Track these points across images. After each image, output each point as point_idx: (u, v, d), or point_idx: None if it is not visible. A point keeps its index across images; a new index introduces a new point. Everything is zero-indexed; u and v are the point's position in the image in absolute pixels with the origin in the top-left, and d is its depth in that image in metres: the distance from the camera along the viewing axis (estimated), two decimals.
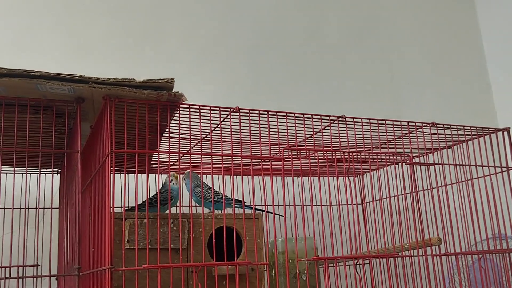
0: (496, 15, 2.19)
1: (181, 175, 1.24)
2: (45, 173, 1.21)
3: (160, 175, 1.34)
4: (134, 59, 1.66)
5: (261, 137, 1.06)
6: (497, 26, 2.18)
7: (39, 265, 0.83)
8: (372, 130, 1.13)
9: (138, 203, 1.16)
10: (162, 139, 1.12)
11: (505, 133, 1.25)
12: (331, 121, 1.10)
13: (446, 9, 2.24)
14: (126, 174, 1.03)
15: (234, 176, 1.44)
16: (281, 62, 1.87)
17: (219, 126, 1.03)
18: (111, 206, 0.86)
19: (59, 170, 1.34)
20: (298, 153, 1.06)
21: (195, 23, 1.79)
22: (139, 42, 1.69)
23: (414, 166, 1.13)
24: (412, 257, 1.06)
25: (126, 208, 1.19)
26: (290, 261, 1.03)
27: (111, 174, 0.87)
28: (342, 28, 2.01)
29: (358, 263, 1.01)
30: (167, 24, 1.75)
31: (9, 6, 1.57)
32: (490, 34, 2.21)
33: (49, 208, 0.93)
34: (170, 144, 1.13)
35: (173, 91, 0.92)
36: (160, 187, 1.24)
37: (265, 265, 1.09)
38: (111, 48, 1.65)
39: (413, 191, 1.10)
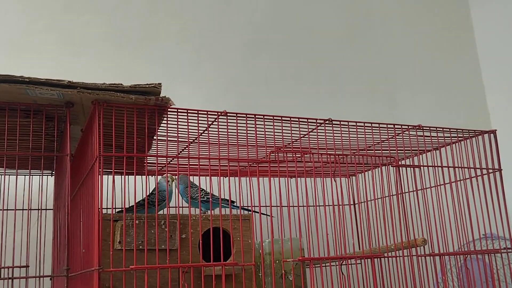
0: (490, 17, 2.20)
1: (169, 178, 1.26)
2: (37, 175, 1.24)
3: (152, 177, 1.36)
4: (127, 61, 1.69)
5: (249, 140, 1.08)
6: (490, 28, 2.20)
7: (28, 266, 0.85)
8: (358, 133, 1.15)
9: (130, 205, 1.18)
10: (153, 142, 1.14)
11: (491, 135, 1.27)
12: (318, 124, 1.11)
13: (440, 11, 2.25)
14: (115, 176, 1.05)
15: (223, 178, 1.47)
16: (274, 65, 1.89)
17: (207, 130, 1.05)
18: (100, 208, 0.88)
19: (53, 173, 1.37)
20: (285, 155, 1.08)
21: (189, 25, 1.81)
22: (132, 44, 1.71)
23: (400, 168, 1.15)
24: (397, 258, 1.08)
25: (118, 210, 1.20)
26: (277, 261, 1.05)
27: (99, 177, 0.89)
28: (335, 30, 2.02)
29: (343, 263, 1.03)
30: (160, 26, 1.77)
31: (3, 7, 1.59)
32: (484, 36, 2.23)
33: (39, 209, 0.95)
34: (160, 147, 1.16)
35: (161, 95, 0.94)
36: (153, 189, 1.26)
37: (252, 266, 1.11)
38: (105, 50, 1.67)
39: (399, 193, 1.11)
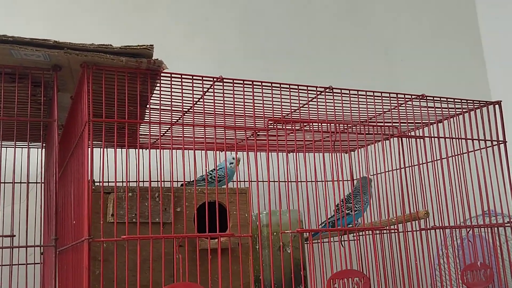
0: None
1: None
2: (24, 147, 1.19)
3: (145, 150, 1.31)
4: (120, 33, 1.63)
5: (246, 109, 1.03)
6: (492, 0, 2.15)
7: (14, 236, 0.81)
8: (360, 103, 1.11)
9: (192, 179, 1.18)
10: (146, 111, 1.09)
11: (497, 106, 1.23)
12: (318, 93, 1.07)
13: None
14: (107, 149, 1.00)
15: (219, 153, 1.43)
16: (272, 34, 1.84)
17: (202, 97, 1.01)
18: (89, 176, 0.84)
19: (44, 144, 1.32)
20: (284, 126, 1.04)
21: None
22: (125, 16, 1.65)
23: (404, 139, 1.11)
24: (399, 231, 1.05)
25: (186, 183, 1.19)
26: (274, 234, 1.01)
27: (89, 143, 0.85)
28: (335, 1, 1.97)
29: (343, 239, 1.00)
30: None
31: None
32: (485, 8, 2.18)
33: (25, 182, 0.92)
34: (153, 118, 1.11)
35: (153, 58, 0.89)
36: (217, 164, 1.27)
37: (249, 238, 1.07)
38: (99, 20, 1.61)
39: (401, 164, 1.08)
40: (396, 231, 1.06)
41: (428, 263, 1.05)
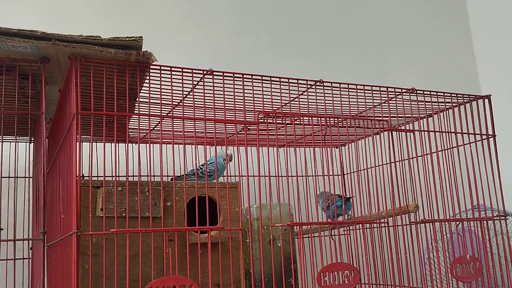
0: None
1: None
2: (13, 141, 1.18)
3: (135, 144, 1.30)
4: (113, 27, 1.62)
5: (236, 102, 1.03)
6: None
7: (2, 229, 0.80)
8: (350, 96, 1.11)
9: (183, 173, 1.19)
10: (136, 104, 1.08)
11: (486, 100, 1.23)
12: (309, 86, 1.07)
13: None
14: (97, 144, 1.00)
15: (211, 146, 1.42)
16: (266, 29, 1.83)
17: (192, 90, 1.00)
18: (77, 169, 0.84)
19: (33, 139, 1.31)
20: (274, 119, 1.03)
21: None
22: (118, 10, 1.64)
23: (394, 133, 1.11)
24: (389, 223, 1.05)
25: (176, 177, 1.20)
26: (265, 227, 1.01)
27: (77, 137, 0.84)
28: None
29: (334, 233, 1.00)
30: None
31: None
32: (475, 3, 2.19)
33: (13, 177, 0.91)
34: (144, 109, 1.10)
35: (143, 50, 0.88)
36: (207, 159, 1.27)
37: (239, 232, 1.07)
38: (89, 14, 1.60)
39: (391, 158, 1.08)
40: (386, 224, 1.07)
41: (418, 256, 1.05)
